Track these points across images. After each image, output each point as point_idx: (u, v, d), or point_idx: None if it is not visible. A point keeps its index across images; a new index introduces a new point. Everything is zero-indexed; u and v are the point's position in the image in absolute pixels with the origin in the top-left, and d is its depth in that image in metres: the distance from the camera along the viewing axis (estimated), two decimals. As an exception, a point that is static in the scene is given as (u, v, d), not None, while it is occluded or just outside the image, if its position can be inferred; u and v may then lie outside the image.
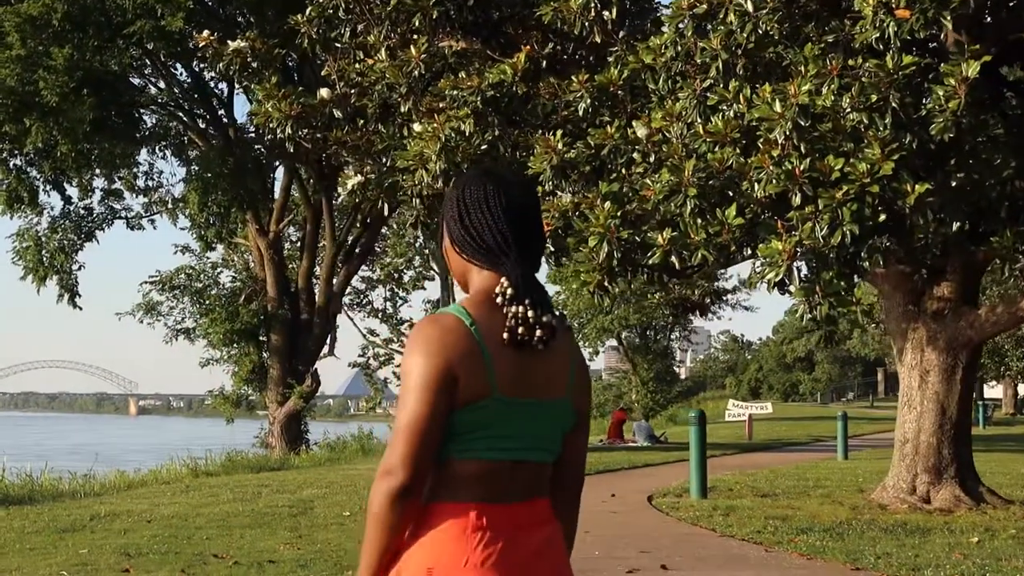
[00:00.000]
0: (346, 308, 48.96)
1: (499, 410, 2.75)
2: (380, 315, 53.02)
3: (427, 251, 51.81)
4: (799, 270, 12.14)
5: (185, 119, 36.01)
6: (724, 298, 77.06)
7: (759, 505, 17.30)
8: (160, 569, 11.39)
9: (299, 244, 40.91)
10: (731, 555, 12.89)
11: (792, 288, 12.26)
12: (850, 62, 12.25)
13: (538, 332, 2.75)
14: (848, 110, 12.03)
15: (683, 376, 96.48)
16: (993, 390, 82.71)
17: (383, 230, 45.46)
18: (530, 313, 2.75)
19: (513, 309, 2.76)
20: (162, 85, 35.76)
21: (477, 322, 2.74)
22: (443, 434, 2.73)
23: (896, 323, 17.63)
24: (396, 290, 53.28)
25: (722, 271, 70.73)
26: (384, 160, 16.56)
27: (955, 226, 12.93)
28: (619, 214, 13.06)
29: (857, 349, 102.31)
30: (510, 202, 2.87)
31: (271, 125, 16.31)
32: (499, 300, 2.78)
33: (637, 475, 23.46)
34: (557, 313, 2.88)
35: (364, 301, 52.56)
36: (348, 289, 44.06)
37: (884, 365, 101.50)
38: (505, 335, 2.75)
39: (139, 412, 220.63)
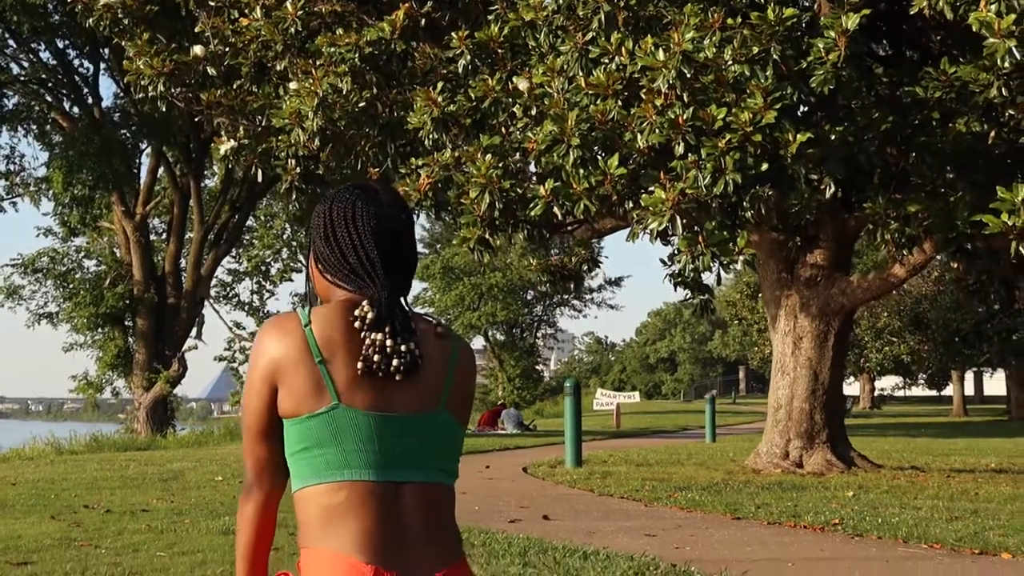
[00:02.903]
0: (212, 301, 48.25)
1: (345, 421, 2.48)
2: (247, 308, 52.34)
3: (295, 243, 51.34)
4: (682, 222, 12.10)
5: (49, 99, 35.23)
6: (590, 296, 77.91)
7: (635, 472, 17.30)
8: (28, 517, 11.02)
9: (166, 228, 40.24)
10: (611, 509, 12.84)
11: (675, 237, 12.26)
12: (730, 21, 12.28)
13: (395, 362, 2.52)
14: (730, 62, 12.05)
15: (547, 377, 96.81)
16: (851, 387, 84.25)
17: (250, 221, 44.89)
18: (388, 342, 2.52)
19: (372, 336, 2.52)
20: (25, 64, 34.98)
21: (314, 324, 2.53)
22: (279, 431, 2.55)
23: (770, 290, 17.77)
24: (263, 283, 52.64)
25: (594, 271, 71.37)
26: (259, 120, 16.25)
27: (829, 192, 13.01)
28: (500, 166, 12.98)
29: (718, 350, 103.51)
30: (380, 221, 2.65)
31: (142, 83, 15.92)
32: (357, 325, 2.54)
33: (510, 455, 23.37)
34: (440, 326, 2.69)
35: (231, 294, 51.83)
36: (215, 282, 43.43)
37: (746, 364, 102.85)
38: (360, 364, 2.50)
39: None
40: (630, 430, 38.44)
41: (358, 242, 2.62)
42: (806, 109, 14.41)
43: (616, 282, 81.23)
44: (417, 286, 71.95)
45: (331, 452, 2.47)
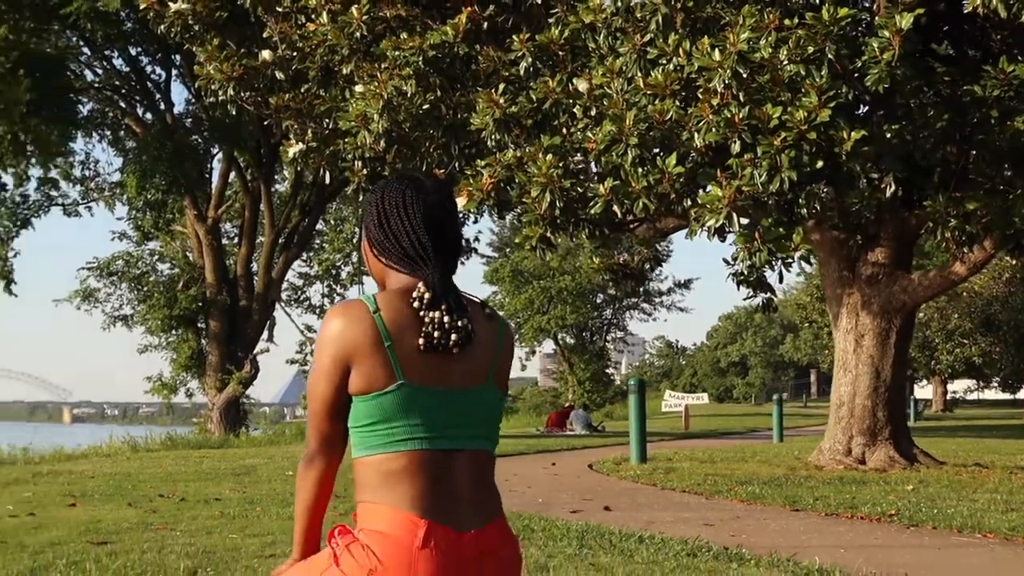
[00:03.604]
0: (283, 304, 48.84)
1: (410, 398, 2.75)
2: (317, 311, 52.90)
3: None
4: (738, 218, 12.30)
5: (123, 105, 35.86)
6: (659, 299, 77.80)
7: (698, 468, 17.51)
8: (107, 504, 11.44)
9: (237, 232, 40.81)
10: (672, 502, 13.06)
11: (732, 234, 12.46)
12: (786, 22, 12.45)
13: (454, 336, 2.78)
14: (785, 62, 12.23)
15: (617, 380, 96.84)
16: (923, 390, 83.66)
17: (320, 225, 45.44)
18: (446, 319, 2.78)
19: (431, 314, 2.78)
20: (99, 70, 35.63)
21: (382, 310, 2.77)
22: (345, 409, 2.80)
23: (832, 289, 17.93)
24: (333, 286, 53.19)
25: (657, 269, 71.14)
26: (326, 123, 16.61)
27: (889, 191, 13.15)
28: (561, 165, 13.24)
29: (790, 354, 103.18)
30: (428, 208, 2.90)
31: (213, 87, 16.34)
32: (416, 304, 2.79)
33: (577, 454, 23.57)
34: (486, 307, 2.96)
35: (302, 297, 52.44)
36: (286, 285, 43.96)
37: (817, 367, 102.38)
38: (421, 340, 2.76)
39: (73, 420, 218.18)
40: (698, 431, 38.49)
41: (410, 227, 2.87)
42: (867, 108, 14.57)
43: (685, 284, 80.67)
44: (487, 289, 72.18)
45: (396, 425, 2.72)
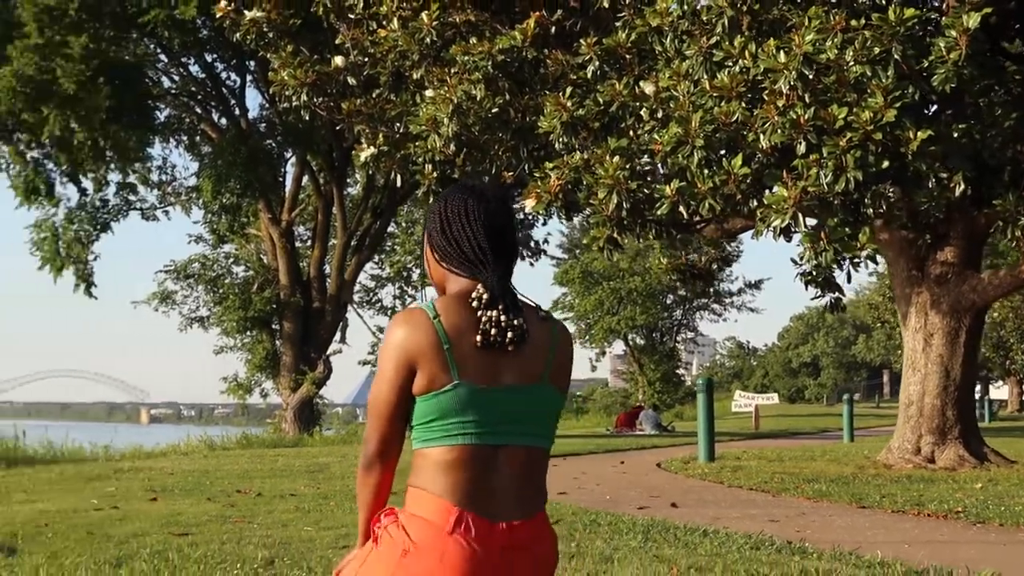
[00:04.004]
0: (356, 306, 49.32)
1: (465, 396, 2.91)
2: (390, 313, 53.30)
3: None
4: (804, 219, 12.41)
5: (199, 111, 36.38)
6: (730, 299, 77.52)
7: (766, 466, 17.60)
8: (186, 498, 11.77)
9: (310, 234, 41.25)
10: (739, 499, 13.19)
11: (797, 234, 12.57)
12: (853, 23, 12.54)
13: (509, 335, 2.94)
14: (851, 63, 12.32)
15: (688, 381, 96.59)
16: (999, 390, 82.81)
17: (392, 228, 45.81)
18: (503, 318, 2.95)
19: (488, 314, 2.94)
20: (176, 77, 36.18)
21: (441, 316, 2.94)
22: (406, 414, 2.98)
23: (900, 288, 17.96)
24: (405, 288, 53.59)
25: (727, 270, 70.84)
26: (397, 127, 16.87)
27: (958, 190, 13.19)
28: (627, 167, 13.41)
29: (863, 354, 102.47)
30: (488, 216, 3.07)
31: (287, 93, 16.64)
32: (475, 304, 2.96)
33: (646, 453, 23.70)
34: (540, 310, 3.15)
35: (374, 299, 52.89)
36: (358, 287, 44.36)
37: (890, 367, 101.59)
38: (478, 338, 2.93)
39: (150, 421, 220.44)
40: (768, 431, 38.38)
41: (471, 234, 3.05)
42: (935, 108, 14.61)
43: (756, 285, 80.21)
44: (557, 290, 72.27)
45: (450, 422, 2.91)
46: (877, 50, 12.21)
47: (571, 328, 72.67)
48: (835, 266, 12.97)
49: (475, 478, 2.93)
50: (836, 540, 9.10)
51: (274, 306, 37.56)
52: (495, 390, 2.96)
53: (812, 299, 15.91)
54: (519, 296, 3.08)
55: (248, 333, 38.57)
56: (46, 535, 9.45)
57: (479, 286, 3.01)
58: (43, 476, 15.09)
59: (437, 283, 3.18)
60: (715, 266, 19.06)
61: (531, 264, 45.78)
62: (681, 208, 13.01)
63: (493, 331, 2.95)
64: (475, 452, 2.93)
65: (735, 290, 77.60)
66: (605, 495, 13.42)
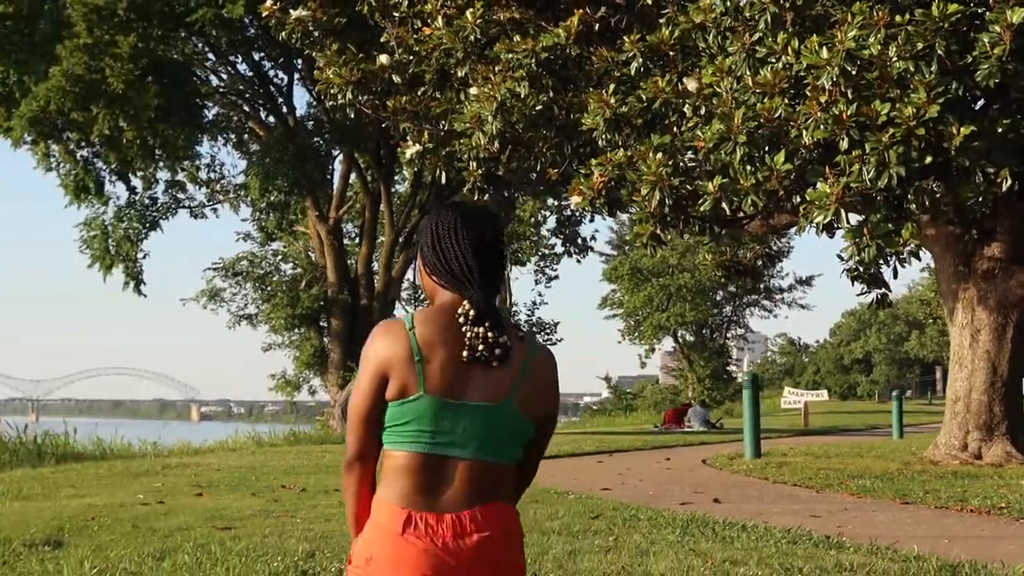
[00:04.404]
0: (403, 302, 49.43)
1: (427, 407, 3.07)
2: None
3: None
4: (846, 215, 12.38)
5: (246, 109, 36.62)
6: (780, 295, 77.23)
7: (811, 462, 17.58)
8: (231, 494, 11.90)
9: (358, 232, 41.42)
10: (782, 495, 13.21)
11: (840, 230, 12.55)
12: (897, 18, 12.51)
13: (497, 351, 3.12)
14: (894, 59, 12.30)
15: (738, 378, 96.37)
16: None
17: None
18: (490, 334, 3.12)
19: (475, 329, 3.11)
20: (224, 76, 36.43)
21: (417, 328, 3.11)
22: (380, 420, 3.15)
23: (947, 284, 17.88)
24: (453, 285, 53.66)
25: (778, 266, 70.58)
26: (442, 125, 16.94)
27: (1005, 185, 13.13)
28: (670, 163, 13.44)
29: (915, 351, 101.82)
30: (477, 236, 3.25)
31: (332, 91, 16.76)
32: (461, 320, 3.13)
33: (692, 449, 23.70)
34: (519, 329, 3.31)
35: (421, 296, 52.95)
36: (405, 283, 44.48)
37: (943, 364, 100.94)
38: (465, 352, 3.10)
39: (201, 418, 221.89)
40: (818, 428, 38.31)
41: (459, 252, 3.23)
42: (983, 102, 14.54)
43: (807, 281, 79.77)
44: (606, 287, 72.28)
45: (411, 429, 3.10)
46: (920, 45, 12.18)
47: (620, 325, 72.81)
48: (880, 262, 12.95)
49: (422, 483, 3.10)
50: (876, 535, 9.10)
51: (322, 303, 37.79)
52: (458, 405, 3.11)
53: (858, 295, 15.87)
54: (501, 315, 3.23)
55: (296, 330, 38.86)
56: (92, 528, 9.59)
57: (465, 302, 3.16)
58: (91, 472, 15.28)
59: (428, 294, 3.34)
60: (761, 262, 19.03)
61: (578, 261, 45.81)
62: (724, 204, 13.03)
63: (480, 346, 3.12)
64: (426, 461, 3.10)
65: (785, 286, 77.34)
66: (648, 491, 13.46)
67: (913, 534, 9.38)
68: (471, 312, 3.13)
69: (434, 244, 3.28)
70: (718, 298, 74.18)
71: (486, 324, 3.12)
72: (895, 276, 17.40)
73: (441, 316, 3.16)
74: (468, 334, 3.12)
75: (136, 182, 37.25)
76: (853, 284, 14.80)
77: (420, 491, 3.09)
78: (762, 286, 74.03)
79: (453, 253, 3.24)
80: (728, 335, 79.41)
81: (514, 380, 3.19)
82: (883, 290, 15.32)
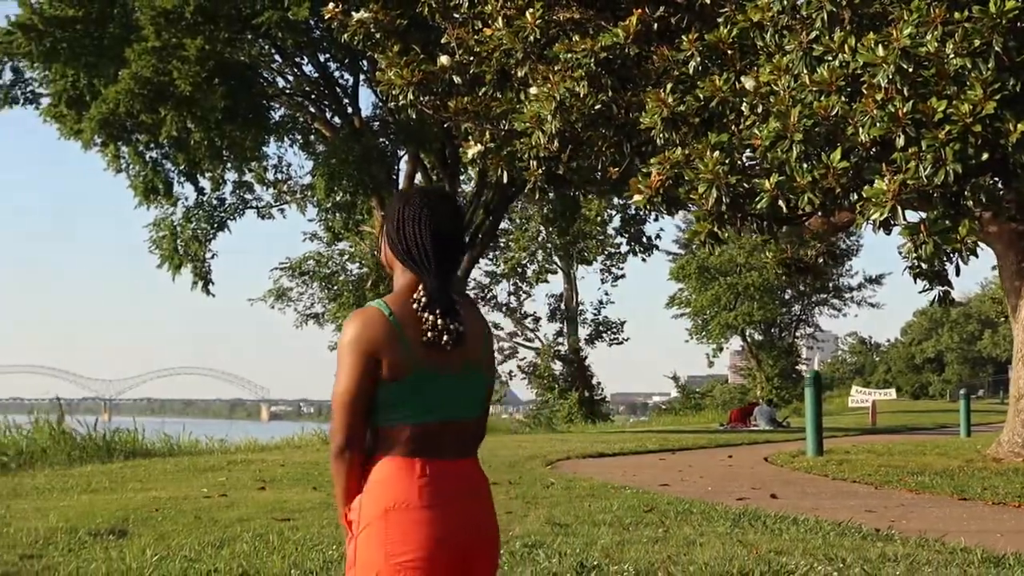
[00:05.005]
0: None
1: (422, 382, 3.41)
2: (504, 309, 53.70)
3: (549, 244, 52.39)
4: (903, 212, 12.41)
5: (312, 110, 36.89)
6: (849, 294, 76.71)
7: (873, 460, 17.58)
8: (293, 488, 12.12)
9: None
10: (840, 491, 13.25)
11: (897, 227, 12.58)
12: (955, 15, 12.52)
13: (445, 337, 3.42)
14: (951, 56, 12.31)
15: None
16: None
17: (504, 224, 46.08)
18: (439, 321, 3.42)
19: (426, 316, 3.42)
20: (290, 77, 36.73)
21: (395, 313, 3.42)
22: (370, 405, 3.42)
23: (1010, 281, 17.81)
24: (520, 284, 53.94)
25: (847, 264, 70.17)
26: (503, 125, 17.08)
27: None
28: (727, 162, 13.51)
29: (988, 350, 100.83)
30: (437, 224, 3.55)
31: (394, 92, 16.95)
32: (415, 306, 3.44)
33: (756, 448, 23.70)
34: (468, 299, 3.72)
35: (488, 295, 53.24)
36: (472, 283, 44.68)
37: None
38: (423, 338, 3.41)
39: (271, 417, 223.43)
40: (885, 427, 38.06)
41: (420, 240, 3.53)
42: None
43: (877, 280, 79.17)
44: (672, 286, 72.09)
45: (409, 404, 3.41)
46: (977, 42, 12.19)
47: (687, 324, 72.60)
48: (938, 259, 12.96)
49: (428, 443, 3.43)
50: (928, 528, 9.16)
51: (388, 303, 37.97)
52: (445, 376, 3.46)
53: (920, 292, 15.84)
54: (458, 296, 3.56)
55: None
56: (155, 519, 9.87)
57: (420, 288, 3.47)
58: (158, 467, 15.61)
59: (387, 263, 3.71)
60: (823, 260, 19.02)
61: (643, 260, 45.87)
62: (780, 202, 13.09)
63: (430, 333, 3.42)
64: (427, 427, 3.43)
65: (855, 285, 76.83)
66: (707, 487, 13.55)
67: (966, 528, 9.42)
68: (423, 299, 3.43)
69: (399, 227, 3.60)
70: (786, 297, 73.79)
71: (437, 312, 3.42)
72: (957, 273, 17.38)
73: (407, 299, 3.47)
74: (423, 320, 3.42)
75: (204, 183, 37.58)
76: (916, 281, 14.80)
77: (426, 447, 3.42)
78: (830, 284, 73.68)
79: (415, 240, 3.54)
80: (797, 334, 78.94)
81: (481, 347, 3.58)
82: (945, 287, 15.29)
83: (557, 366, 53.78)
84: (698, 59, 14.61)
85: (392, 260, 3.64)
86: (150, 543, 8.31)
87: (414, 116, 18.44)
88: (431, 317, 3.42)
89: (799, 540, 8.18)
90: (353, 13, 17.28)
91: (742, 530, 8.77)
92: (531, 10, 15.90)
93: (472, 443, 3.62)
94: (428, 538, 3.35)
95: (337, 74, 36.65)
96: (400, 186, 37.91)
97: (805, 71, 13.37)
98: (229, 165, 36.61)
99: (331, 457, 3.48)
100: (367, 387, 3.39)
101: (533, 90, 15.83)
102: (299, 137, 38.29)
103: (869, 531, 8.75)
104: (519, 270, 52.50)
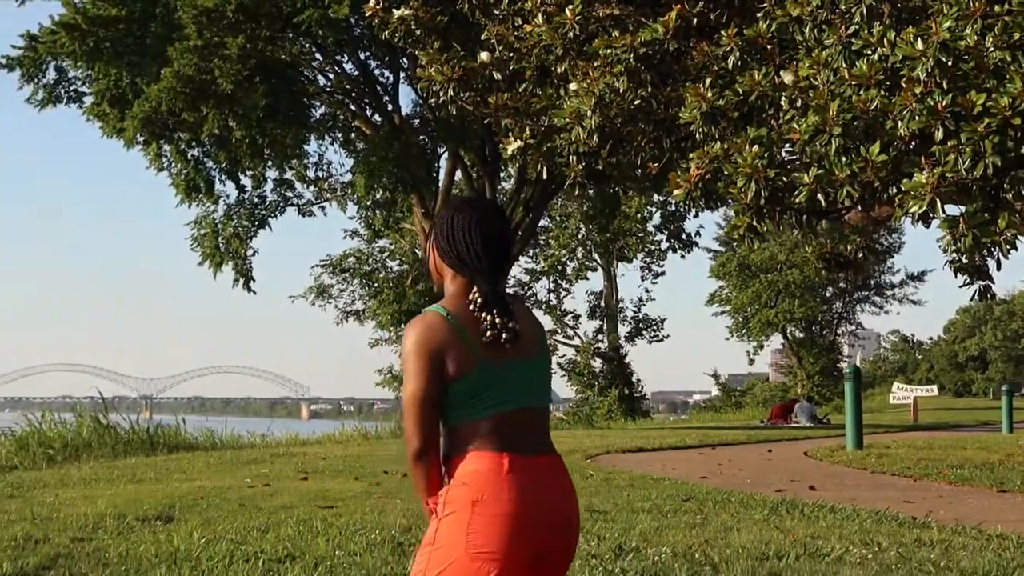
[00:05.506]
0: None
1: (488, 376, 3.54)
2: (544, 306, 53.74)
3: (589, 242, 52.43)
4: (942, 205, 12.42)
5: (352, 108, 37.02)
6: (891, 291, 76.37)
7: (913, 454, 17.60)
8: (335, 479, 12.28)
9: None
10: (879, 483, 13.30)
11: (936, 220, 12.58)
12: (996, 8, 12.52)
13: (504, 335, 3.57)
14: (991, 49, 12.32)
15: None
16: None
17: (543, 221, 46.14)
18: (497, 321, 3.56)
19: (484, 316, 3.57)
20: (331, 75, 36.89)
21: (453, 314, 3.57)
22: (440, 406, 3.55)
23: (1050, 275, 17.77)
24: (559, 281, 53.99)
25: (889, 261, 69.88)
26: (542, 121, 17.16)
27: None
28: (766, 156, 13.55)
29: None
30: (487, 231, 3.72)
31: (434, 88, 17.05)
32: (471, 308, 3.58)
33: (796, 443, 23.70)
34: (519, 297, 3.81)
35: (528, 292, 53.33)
36: (513, 280, 44.73)
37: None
38: (483, 337, 3.55)
39: (311, 416, 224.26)
40: (926, 424, 37.88)
41: (471, 245, 3.69)
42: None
43: (919, 277, 78.62)
44: (713, 284, 71.96)
45: (482, 397, 3.55)
46: (1017, 35, 12.19)
47: (728, 321, 72.45)
48: (978, 253, 12.96)
49: (511, 435, 3.57)
50: (964, 518, 9.21)
51: (428, 299, 38.16)
52: (510, 364, 3.61)
53: (960, 287, 15.83)
54: (507, 295, 3.70)
55: (402, 326, 39.33)
56: (201, 506, 10.05)
57: (475, 290, 3.63)
58: (201, 460, 15.80)
59: (434, 271, 3.86)
60: (862, 255, 18.98)
61: (683, 256, 45.88)
62: (819, 196, 13.12)
63: (489, 332, 3.58)
64: (504, 417, 3.57)
65: (896, 282, 76.46)
66: (746, 479, 13.61)
67: (1003, 518, 9.47)
68: (479, 300, 3.59)
69: (449, 236, 3.75)
70: (827, 294, 73.52)
71: (494, 312, 3.58)
72: (998, 267, 17.34)
73: (463, 302, 3.62)
74: (480, 320, 3.57)
75: (245, 181, 37.81)
76: (956, 276, 14.81)
77: (511, 440, 3.55)
78: (872, 282, 73.40)
79: (466, 246, 3.70)
80: (838, 332, 78.63)
81: (538, 336, 3.74)
82: (986, 282, 15.30)
83: (597, 363, 53.86)
84: (737, 54, 14.63)
85: (442, 268, 3.79)
86: (196, 527, 8.49)
87: (454, 113, 18.53)
88: (488, 317, 3.57)
89: (836, 527, 8.26)
90: (394, 10, 17.39)
91: (779, 517, 8.85)
92: (570, 6, 15.95)
93: (547, 437, 3.72)
94: (509, 534, 3.45)
95: (377, 72, 36.81)
96: (440, 183, 38.06)
97: (844, 65, 13.38)
98: (270, 163, 36.81)
99: (410, 461, 3.59)
100: (436, 388, 3.53)
101: (573, 86, 15.89)
102: (339, 135, 38.49)
103: (906, 519, 8.81)
104: (559, 267, 52.54)
